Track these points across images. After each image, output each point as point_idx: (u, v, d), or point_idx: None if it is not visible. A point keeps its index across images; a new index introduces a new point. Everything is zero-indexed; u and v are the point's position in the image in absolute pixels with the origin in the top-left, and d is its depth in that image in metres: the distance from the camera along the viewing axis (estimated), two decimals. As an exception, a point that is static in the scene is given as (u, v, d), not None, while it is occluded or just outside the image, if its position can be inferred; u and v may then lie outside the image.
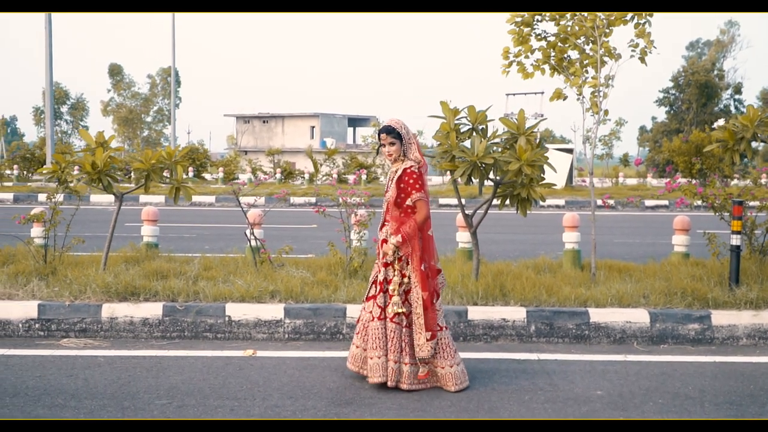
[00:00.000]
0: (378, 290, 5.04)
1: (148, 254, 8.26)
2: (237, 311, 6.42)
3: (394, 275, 4.99)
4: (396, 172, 5.07)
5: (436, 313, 5.01)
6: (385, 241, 5.06)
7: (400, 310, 4.94)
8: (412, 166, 5.04)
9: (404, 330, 4.99)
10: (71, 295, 6.59)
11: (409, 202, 5.01)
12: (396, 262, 5.00)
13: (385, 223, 5.12)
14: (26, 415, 4.46)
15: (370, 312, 5.05)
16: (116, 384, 5.04)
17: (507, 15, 7.83)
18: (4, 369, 5.37)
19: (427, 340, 4.92)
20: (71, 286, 6.75)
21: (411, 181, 5.00)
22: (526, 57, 8.00)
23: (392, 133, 5.04)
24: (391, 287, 4.99)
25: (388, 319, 4.98)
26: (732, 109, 56.53)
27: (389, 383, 4.95)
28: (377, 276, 5.09)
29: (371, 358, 4.99)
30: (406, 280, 4.99)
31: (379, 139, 5.10)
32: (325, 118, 57.70)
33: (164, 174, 7.62)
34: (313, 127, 57.60)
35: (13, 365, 5.47)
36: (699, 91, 54.32)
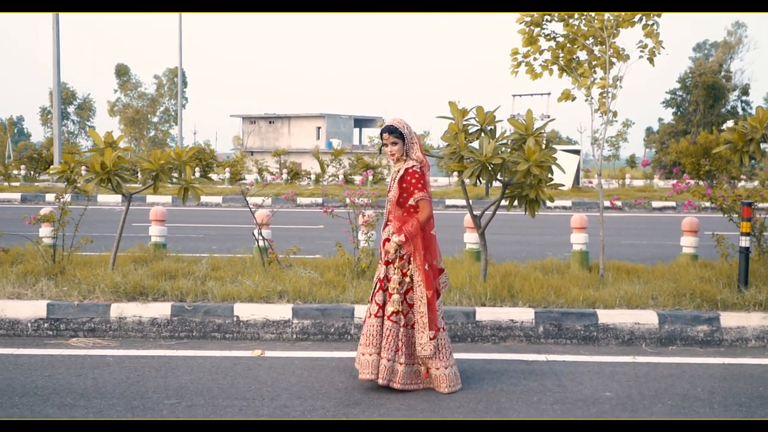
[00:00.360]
0: (378, 288, 5.05)
1: (156, 254, 8.29)
2: (245, 311, 6.43)
3: (394, 273, 5.00)
4: (398, 171, 5.09)
5: (436, 312, 5.01)
6: (387, 240, 5.07)
7: (398, 308, 4.93)
8: (414, 166, 5.05)
9: (401, 329, 4.98)
10: (80, 295, 6.61)
11: (411, 201, 5.01)
12: (397, 260, 5.00)
13: (388, 223, 5.13)
14: (36, 415, 4.47)
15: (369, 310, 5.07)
16: (125, 383, 5.05)
17: (515, 15, 7.84)
18: (14, 368, 5.40)
19: (430, 339, 4.92)
20: (80, 285, 6.77)
21: (413, 180, 5.00)
22: (535, 58, 8.00)
23: (394, 132, 5.05)
24: (391, 285, 4.99)
25: (385, 317, 4.97)
26: (739, 110, 56.27)
27: (380, 381, 4.93)
28: (379, 275, 5.10)
29: (363, 354, 4.99)
30: (407, 279, 4.99)
31: (382, 138, 5.11)
32: (331, 118, 57.70)
33: (172, 174, 7.65)
34: (319, 127, 57.60)
35: (23, 365, 5.49)
36: (706, 92, 54.12)
